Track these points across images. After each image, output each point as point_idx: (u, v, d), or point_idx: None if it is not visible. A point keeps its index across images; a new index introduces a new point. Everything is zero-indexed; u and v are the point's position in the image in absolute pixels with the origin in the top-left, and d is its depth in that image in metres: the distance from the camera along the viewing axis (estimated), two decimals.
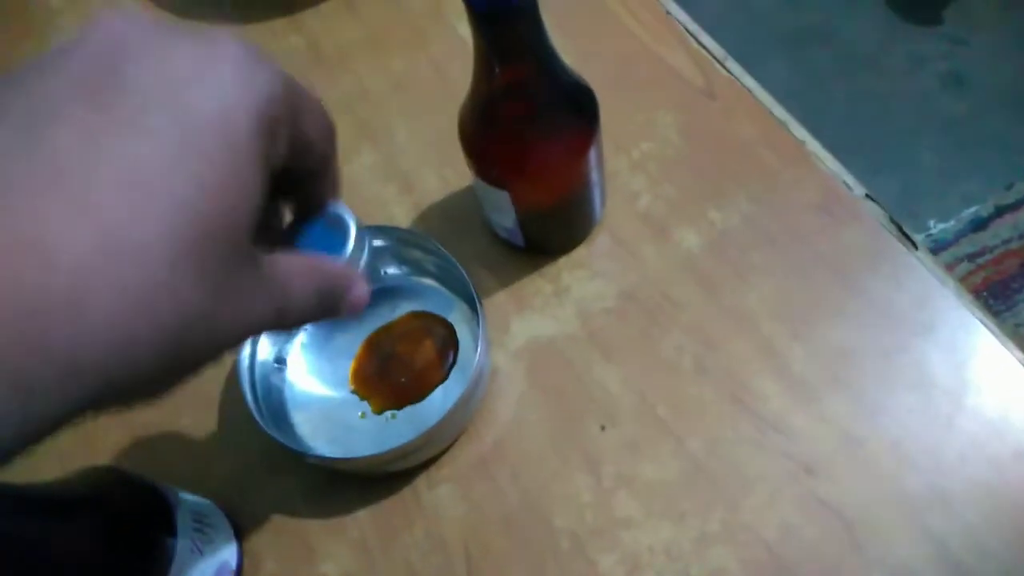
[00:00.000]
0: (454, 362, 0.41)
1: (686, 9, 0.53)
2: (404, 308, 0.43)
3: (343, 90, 0.53)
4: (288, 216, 0.26)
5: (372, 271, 0.44)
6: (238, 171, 0.17)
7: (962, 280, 1.20)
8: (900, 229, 0.43)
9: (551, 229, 0.43)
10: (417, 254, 0.43)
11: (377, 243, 0.42)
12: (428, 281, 0.44)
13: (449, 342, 0.42)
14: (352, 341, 0.42)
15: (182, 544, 0.33)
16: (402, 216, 0.47)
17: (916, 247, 0.42)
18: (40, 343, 0.14)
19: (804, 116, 0.48)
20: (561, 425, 0.40)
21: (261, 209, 0.18)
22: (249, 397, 0.38)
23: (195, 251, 0.16)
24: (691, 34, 0.51)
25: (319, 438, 0.40)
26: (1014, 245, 1.23)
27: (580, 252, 0.45)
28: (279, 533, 0.40)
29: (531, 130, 0.36)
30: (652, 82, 0.49)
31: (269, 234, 0.25)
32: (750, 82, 0.49)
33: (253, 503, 0.40)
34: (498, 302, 0.44)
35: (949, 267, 1.21)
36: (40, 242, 0.14)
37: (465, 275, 0.39)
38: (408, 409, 0.40)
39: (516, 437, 0.40)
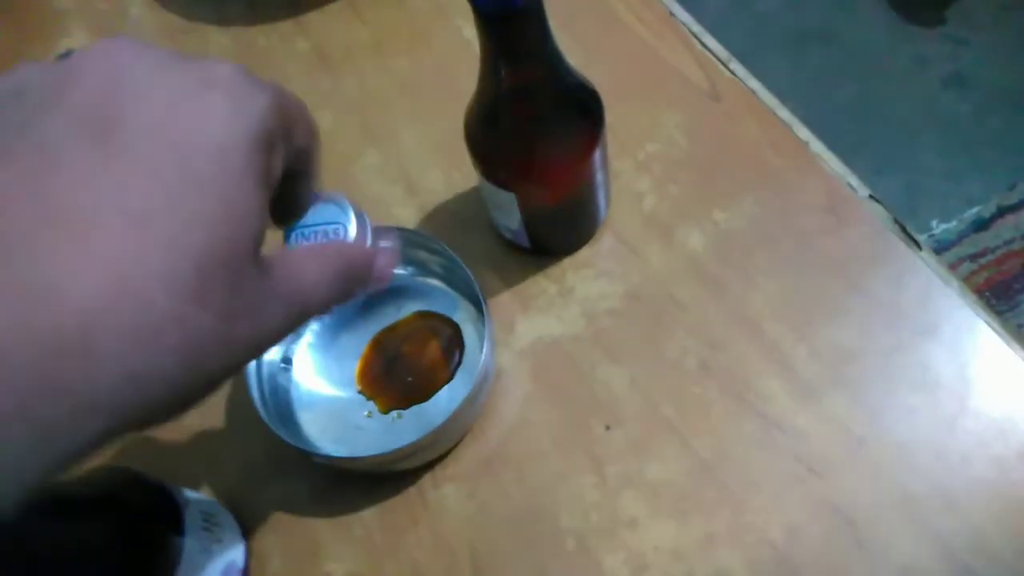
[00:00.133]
0: (459, 362, 0.41)
1: (689, 11, 0.53)
2: (410, 308, 0.43)
3: (348, 92, 0.53)
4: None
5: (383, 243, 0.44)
6: (237, 197, 0.17)
7: (964, 280, 1.20)
8: (904, 229, 0.43)
9: (556, 230, 0.43)
10: (423, 254, 0.43)
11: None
12: (433, 281, 0.44)
13: (455, 342, 0.42)
14: (358, 341, 0.43)
15: (190, 543, 0.33)
16: (407, 217, 0.48)
17: (920, 247, 0.42)
18: (54, 384, 0.14)
19: (806, 117, 0.48)
20: (566, 425, 0.40)
21: (264, 225, 0.19)
22: (256, 397, 0.38)
23: (198, 281, 0.16)
24: (695, 36, 0.51)
25: (325, 438, 0.40)
26: (1016, 245, 1.23)
27: (585, 253, 0.45)
28: (286, 532, 0.40)
29: (537, 131, 0.36)
30: (656, 84, 0.50)
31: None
32: (754, 84, 0.49)
33: (260, 502, 0.41)
34: (503, 302, 0.44)
35: (951, 267, 1.21)
36: (50, 286, 0.15)
37: (470, 275, 0.39)
38: (414, 409, 0.41)
39: (521, 437, 0.40)
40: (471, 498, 0.39)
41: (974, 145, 1.33)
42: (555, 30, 0.33)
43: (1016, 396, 0.38)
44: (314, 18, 0.57)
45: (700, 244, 0.44)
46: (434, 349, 0.42)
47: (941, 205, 1.28)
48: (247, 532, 0.39)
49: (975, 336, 0.40)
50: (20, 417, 0.14)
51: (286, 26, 0.57)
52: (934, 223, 1.27)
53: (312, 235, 0.25)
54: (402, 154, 0.50)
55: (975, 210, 1.27)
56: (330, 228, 0.26)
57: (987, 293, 1.20)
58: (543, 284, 0.44)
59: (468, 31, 0.54)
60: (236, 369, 0.18)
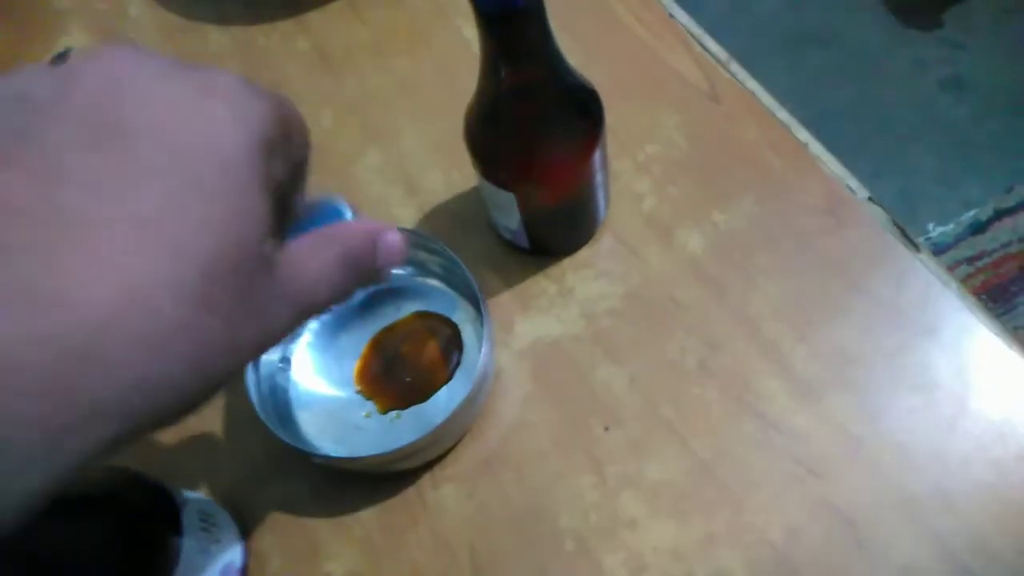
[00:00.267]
0: (459, 362, 0.41)
1: (688, 12, 0.53)
2: (409, 308, 0.43)
3: (348, 92, 0.53)
4: None
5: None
6: (241, 203, 0.18)
7: (961, 283, 1.20)
8: (903, 231, 0.43)
9: (556, 230, 0.43)
10: (422, 255, 0.43)
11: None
12: (433, 281, 0.44)
13: (454, 342, 0.42)
14: (357, 341, 0.43)
15: (188, 543, 0.33)
16: (407, 217, 0.48)
17: (919, 249, 0.42)
18: (66, 391, 0.15)
19: (804, 119, 0.48)
20: (565, 425, 0.40)
21: (269, 230, 0.19)
22: (254, 397, 0.38)
23: (205, 288, 0.17)
24: (694, 37, 0.51)
25: (324, 438, 0.40)
26: (1013, 249, 1.24)
27: (584, 253, 0.45)
28: (284, 532, 0.40)
29: (537, 132, 0.36)
30: (656, 85, 0.50)
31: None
32: (753, 85, 0.49)
33: (258, 502, 0.40)
34: (502, 303, 0.44)
35: (948, 270, 1.22)
36: (60, 294, 0.15)
37: (470, 276, 0.39)
38: (413, 409, 0.41)
39: (520, 437, 0.40)
40: (470, 498, 0.39)
41: (971, 148, 1.33)
42: (555, 31, 0.33)
43: (1015, 398, 0.38)
44: (314, 18, 0.57)
45: (699, 245, 0.44)
46: (433, 349, 0.42)
47: (938, 208, 1.28)
48: (246, 532, 0.39)
49: (974, 338, 0.40)
50: (33, 423, 0.14)
51: (286, 26, 0.57)
52: (931, 226, 1.27)
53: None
54: (402, 154, 0.50)
55: (972, 213, 1.27)
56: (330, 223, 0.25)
57: (984, 296, 1.20)
58: (543, 284, 0.44)
59: (468, 31, 0.54)
60: (235, 374, 0.19)
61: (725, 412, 0.40)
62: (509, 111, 0.36)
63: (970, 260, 1.24)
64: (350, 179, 0.49)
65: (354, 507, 0.40)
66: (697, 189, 0.46)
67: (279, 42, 0.57)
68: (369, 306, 0.43)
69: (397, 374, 0.41)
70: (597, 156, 0.39)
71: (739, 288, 0.43)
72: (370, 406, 0.41)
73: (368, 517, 0.40)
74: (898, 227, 0.43)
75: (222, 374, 0.18)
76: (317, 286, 0.21)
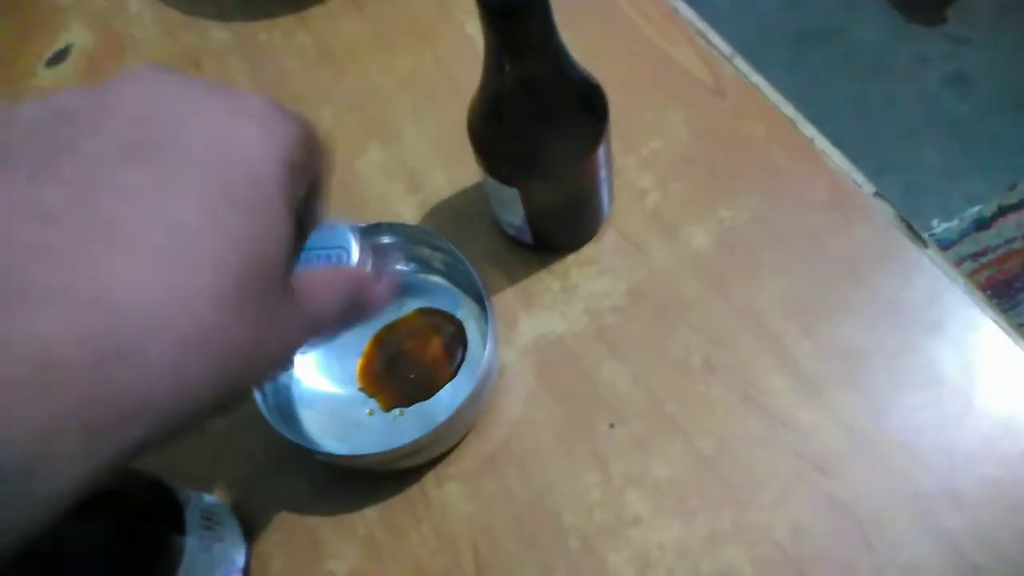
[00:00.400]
0: (462, 359, 0.41)
1: (691, 7, 0.52)
2: (412, 305, 0.43)
3: (351, 88, 0.53)
4: None
5: (379, 268, 0.44)
6: (272, 219, 0.19)
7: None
8: (910, 227, 0.43)
9: (560, 226, 0.43)
10: (425, 251, 0.42)
11: (385, 240, 0.42)
12: (436, 278, 0.43)
13: (457, 339, 0.41)
14: (360, 338, 0.42)
15: (191, 542, 0.32)
16: (410, 214, 0.47)
17: (926, 245, 0.42)
18: (108, 389, 0.15)
19: (807, 116, 0.47)
20: (570, 423, 0.40)
21: (292, 246, 0.20)
22: (257, 395, 0.37)
23: (239, 296, 0.18)
24: (699, 32, 0.51)
25: (327, 435, 0.40)
26: (1017, 244, 1.23)
27: (588, 249, 0.45)
28: (287, 530, 0.39)
29: (541, 127, 0.36)
30: (661, 80, 0.49)
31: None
32: (758, 80, 0.49)
33: (261, 500, 0.40)
34: (506, 299, 0.44)
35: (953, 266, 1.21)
36: (105, 295, 0.15)
37: (473, 272, 0.39)
38: (416, 407, 0.40)
39: (524, 435, 0.40)
40: (474, 496, 0.39)
41: (975, 144, 1.33)
42: (558, 25, 0.32)
43: (1022, 394, 0.38)
44: (315, 13, 0.57)
45: (704, 241, 0.44)
46: (436, 346, 0.41)
47: (942, 204, 1.28)
48: (248, 530, 0.39)
49: (981, 334, 0.40)
50: (74, 421, 0.15)
51: (287, 21, 0.57)
52: (935, 222, 1.26)
53: (316, 258, 0.27)
54: (404, 150, 0.50)
55: (976, 209, 1.27)
56: (333, 252, 0.28)
57: (988, 292, 1.20)
58: (546, 281, 0.44)
59: (471, 26, 0.54)
60: (261, 381, 0.20)
61: (730, 409, 0.39)
62: (513, 106, 0.35)
63: (974, 256, 1.23)
64: (352, 176, 0.49)
65: (357, 505, 0.40)
66: (702, 185, 0.46)
67: (280, 38, 0.56)
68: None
69: (400, 371, 0.41)
70: (601, 151, 0.38)
71: (744, 284, 0.42)
72: (373, 404, 0.41)
73: (371, 515, 0.39)
74: (905, 222, 0.43)
75: (246, 380, 0.19)
76: (326, 310, 0.22)
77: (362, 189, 0.49)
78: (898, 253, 0.42)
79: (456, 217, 0.47)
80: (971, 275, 1.21)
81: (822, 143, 0.46)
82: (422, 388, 0.41)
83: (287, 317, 0.20)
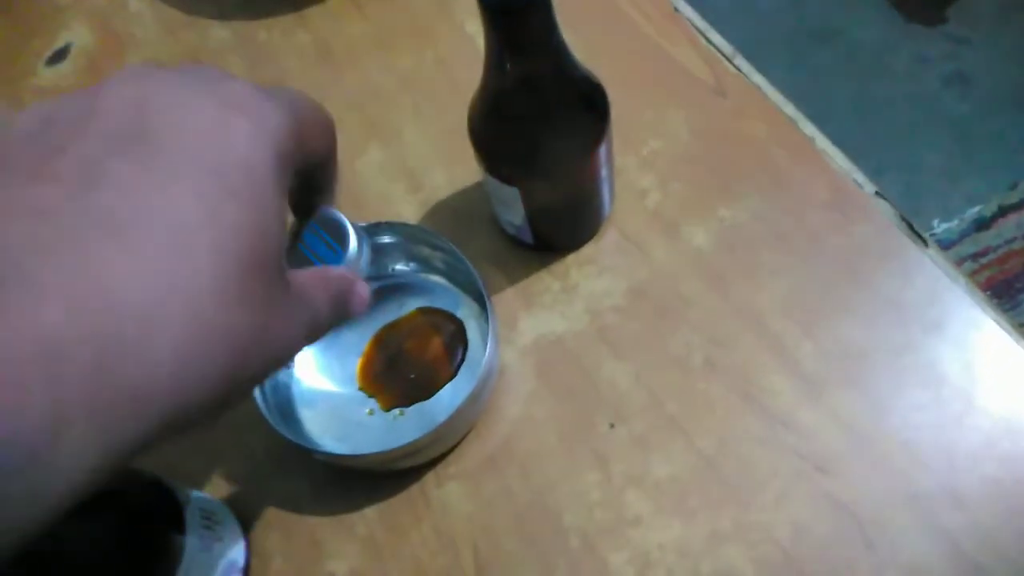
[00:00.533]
0: (463, 359, 0.41)
1: (692, 6, 0.52)
2: (412, 304, 0.43)
3: (351, 88, 0.53)
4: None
5: (379, 267, 0.44)
6: (267, 208, 0.19)
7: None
8: (910, 226, 0.43)
9: (560, 226, 0.43)
10: (425, 250, 0.42)
11: (385, 239, 0.42)
12: (436, 278, 0.43)
13: (458, 339, 0.41)
14: (360, 338, 0.42)
15: (191, 541, 0.32)
16: (410, 213, 0.47)
17: (927, 244, 0.42)
18: (111, 383, 0.15)
19: (808, 115, 0.47)
20: (570, 422, 0.40)
21: (284, 233, 0.20)
22: (257, 394, 0.37)
23: (239, 287, 0.18)
24: (700, 31, 0.51)
25: (327, 435, 0.40)
26: (1017, 244, 1.23)
27: (589, 249, 0.45)
28: (287, 530, 0.39)
29: (542, 126, 0.36)
30: (661, 79, 0.49)
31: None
32: (759, 79, 0.49)
33: (261, 500, 0.40)
34: (506, 299, 0.44)
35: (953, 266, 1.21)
36: (105, 288, 0.16)
37: (474, 272, 0.39)
38: (416, 406, 0.40)
39: (525, 435, 0.40)
40: (474, 496, 0.39)
41: (975, 144, 1.33)
42: (559, 24, 0.32)
43: (1023, 394, 0.38)
44: (315, 12, 0.57)
45: (705, 240, 0.44)
46: (437, 345, 0.41)
47: (942, 204, 1.28)
48: (248, 530, 0.39)
49: (982, 333, 0.39)
50: (78, 416, 0.15)
51: (287, 20, 0.57)
52: (935, 222, 1.26)
53: (311, 249, 0.27)
54: (404, 150, 0.50)
55: (976, 209, 1.27)
56: (329, 245, 0.27)
57: (988, 292, 1.19)
58: (547, 280, 0.44)
59: (471, 25, 0.54)
60: (266, 374, 0.20)
61: (731, 409, 0.39)
62: (513, 105, 0.35)
63: (974, 256, 1.23)
64: (352, 176, 0.49)
65: (357, 505, 0.40)
66: (702, 184, 0.46)
67: (280, 37, 0.56)
68: (372, 302, 0.43)
69: (400, 371, 0.41)
70: (602, 151, 0.38)
71: (745, 284, 0.42)
72: (373, 403, 0.41)
73: (371, 515, 0.39)
74: (906, 222, 0.43)
75: (251, 371, 0.19)
76: (320, 308, 0.22)
77: (362, 189, 0.48)
78: (899, 253, 0.42)
79: (456, 217, 0.47)
80: (971, 275, 1.21)
81: (823, 143, 0.46)
82: (422, 388, 0.41)
83: (287, 307, 0.20)
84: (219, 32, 0.57)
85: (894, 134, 1.35)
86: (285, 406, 0.40)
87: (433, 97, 0.51)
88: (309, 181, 0.24)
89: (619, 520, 0.37)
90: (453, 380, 0.40)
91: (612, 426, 0.40)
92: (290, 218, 0.27)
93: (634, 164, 0.47)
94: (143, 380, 0.16)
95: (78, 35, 0.60)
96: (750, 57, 0.50)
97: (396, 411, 0.40)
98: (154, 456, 0.43)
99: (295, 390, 0.41)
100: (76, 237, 0.16)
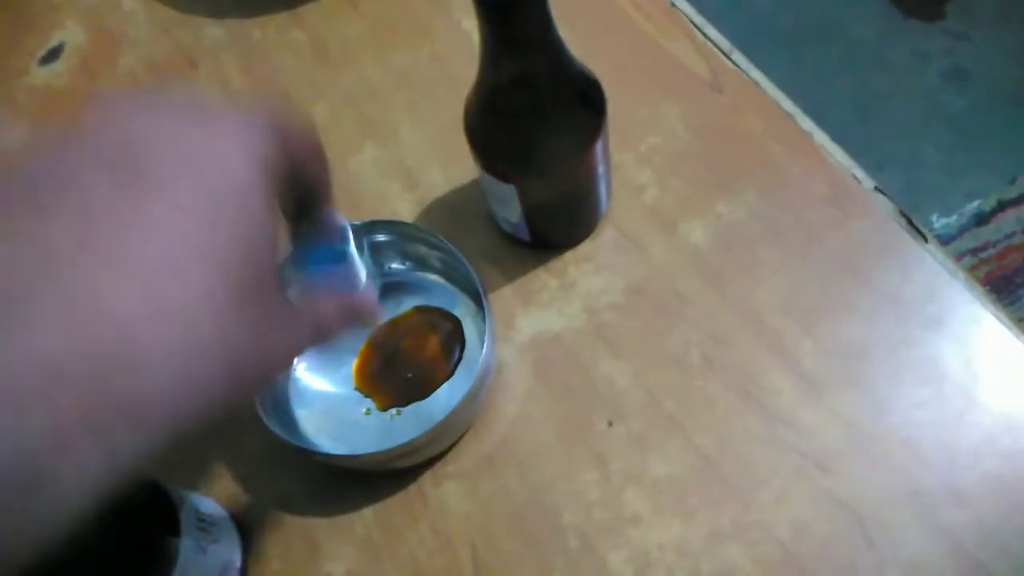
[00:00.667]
0: (460, 358, 0.41)
1: (689, 1, 0.52)
2: (408, 303, 0.43)
3: (346, 85, 0.53)
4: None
5: (376, 266, 0.43)
6: (258, 226, 0.20)
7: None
8: (910, 222, 0.42)
9: (557, 223, 0.43)
10: (422, 249, 0.42)
11: (381, 238, 0.42)
12: (433, 276, 0.43)
13: (455, 337, 0.41)
14: (356, 337, 0.42)
15: (186, 543, 0.32)
16: (406, 211, 0.47)
17: (926, 239, 0.42)
18: (111, 397, 0.16)
19: (805, 112, 0.47)
20: (568, 421, 0.40)
21: (277, 248, 0.21)
22: None
23: (233, 300, 0.18)
24: (696, 27, 0.50)
25: (324, 435, 0.40)
26: (1017, 239, 1.23)
27: (586, 246, 0.44)
28: (283, 531, 0.39)
29: (538, 123, 0.36)
30: (658, 75, 0.49)
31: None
32: (756, 75, 0.48)
33: (257, 501, 0.40)
34: (503, 297, 0.43)
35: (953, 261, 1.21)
36: (98, 308, 0.16)
37: (470, 270, 0.38)
38: (413, 406, 0.40)
39: (522, 433, 0.40)
40: (472, 496, 0.39)
41: (974, 139, 1.32)
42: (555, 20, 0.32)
43: None
44: (310, 10, 0.56)
45: (703, 237, 0.43)
46: (434, 344, 0.41)
47: (941, 199, 1.28)
48: (244, 531, 0.39)
49: (982, 329, 0.39)
50: (81, 429, 0.16)
51: (281, 18, 0.56)
52: (934, 217, 1.26)
53: (312, 257, 0.28)
54: (400, 147, 0.49)
55: (975, 204, 1.26)
56: (330, 251, 0.28)
57: (988, 288, 1.19)
58: (544, 278, 0.44)
59: (467, 22, 0.54)
60: (266, 381, 0.21)
61: (730, 407, 0.39)
62: (509, 102, 0.35)
63: (974, 251, 1.23)
64: (347, 173, 0.49)
65: (354, 505, 0.39)
66: (700, 180, 0.45)
67: (274, 35, 0.56)
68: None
69: (397, 370, 0.41)
70: (599, 147, 0.38)
71: (743, 281, 0.42)
72: (370, 403, 0.40)
73: (368, 515, 0.39)
74: (905, 217, 0.42)
75: (251, 380, 0.20)
76: (326, 321, 0.23)
77: (358, 187, 0.48)
78: (898, 248, 0.42)
79: (453, 214, 0.46)
80: (971, 270, 1.21)
81: (821, 138, 0.46)
82: (419, 387, 0.40)
83: (285, 316, 0.21)
84: (213, 31, 0.57)
85: (893, 129, 1.35)
86: (281, 406, 0.40)
87: (429, 94, 0.51)
88: (301, 185, 0.25)
89: (618, 519, 0.37)
90: (450, 379, 0.40)
91: (610, 425, 0.39)
92: (289, 224, 0.28)
93: (631, 160, 0.46)
94: (142, 396, 0.16)
95: (72, 34, 0.59)
96: (747, 52, 0.49)
97: (393, 411, 0.40)
98: None
99: (291, 390, 0.41)
100: (77, 267, 0.17)
